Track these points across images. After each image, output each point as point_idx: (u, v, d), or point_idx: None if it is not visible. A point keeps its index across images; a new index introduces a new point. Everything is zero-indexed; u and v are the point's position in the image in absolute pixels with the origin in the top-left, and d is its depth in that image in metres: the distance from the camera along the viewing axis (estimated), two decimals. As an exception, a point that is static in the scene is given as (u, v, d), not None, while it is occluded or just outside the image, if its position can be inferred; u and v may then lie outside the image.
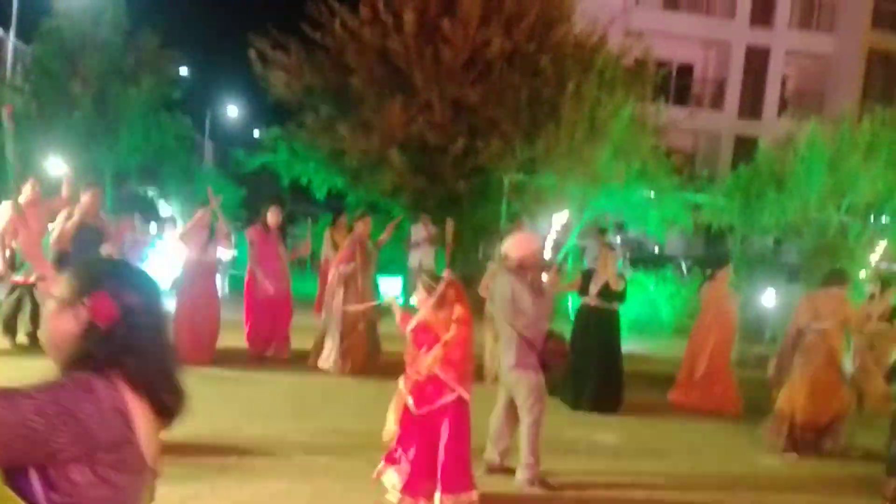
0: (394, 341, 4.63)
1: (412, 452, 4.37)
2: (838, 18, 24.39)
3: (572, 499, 4.92)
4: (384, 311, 6.06)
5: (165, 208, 19.06)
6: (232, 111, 39.35)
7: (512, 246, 5.22)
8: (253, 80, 15.01)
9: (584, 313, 7.54)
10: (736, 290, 8.64)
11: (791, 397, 6.37)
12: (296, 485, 4.67)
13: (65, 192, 7.97)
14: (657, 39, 17.51)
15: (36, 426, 1.34)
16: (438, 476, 4.31)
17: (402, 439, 4.44)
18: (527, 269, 5.07)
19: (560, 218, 11.82)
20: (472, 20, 13.28)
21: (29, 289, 7.42)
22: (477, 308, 5.37)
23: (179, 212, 17.65)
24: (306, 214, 15.34)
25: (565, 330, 6.38)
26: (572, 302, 9.76)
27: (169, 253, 12.04)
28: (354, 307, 7.17)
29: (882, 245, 11.75)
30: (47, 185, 8.90)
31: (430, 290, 4.40)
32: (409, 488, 4.37)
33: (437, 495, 4.30)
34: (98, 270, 1.58)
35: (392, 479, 4.46)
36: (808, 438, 6.38)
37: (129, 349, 1.49)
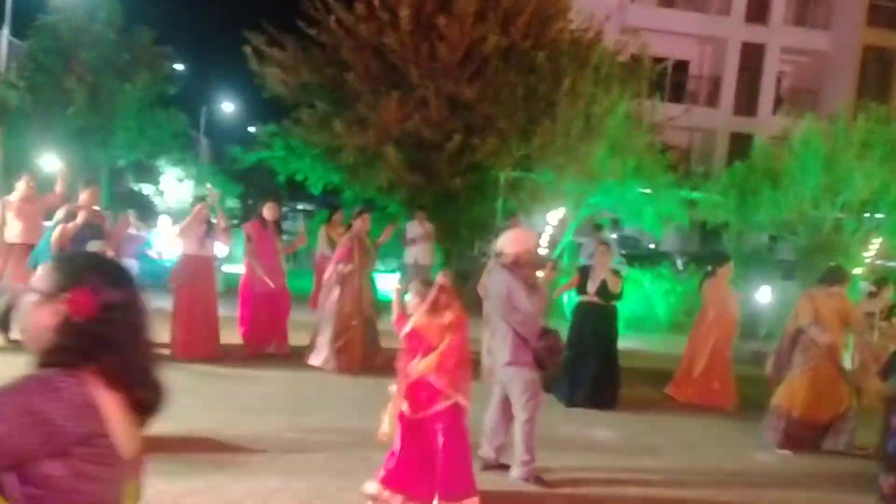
0: (394, 338, 4.58)
1: (400, 450, 4.30)
2: (833, 15, 24.44)
3: (567, 495, 4.92)
4: (383, 308, 6.02)
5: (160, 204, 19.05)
6: (227, 107, 39.30)
7: (507, 242, 5.22)
8: (248, 76, 14.99)
9: (583, 310, 7.55)
10: (736, 288, 8.65)
11: (790, 394, 6.38)
12: (291, 481, 4.66)
13: (59, 188, 7.95)
14: (653, 36, 17.51)
15: (2, 435, 1.35)
16: (437, 482, 4.22)
17: (396, 441, 4.39)
18: (522, 265, 5.07)
19: (556, 214, 11.84)
20: (468, 16, 13.25)
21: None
22: (476, 307, 5.37)
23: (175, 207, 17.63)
24: (300, 211, 15.34)
25: (561, 327, 6.38)
26: (569, 299, 9.78)
27: (166, 248, 12.03)
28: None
29: (877, 242, 11.79)
30: (42, 181, 8.88)
31: (422, 296, 4.35)
32: (389, 482, 4.28)
33: (436, 503, 4.23)
34: (79, 266, 1.58)
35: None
36: (806, 435, 6.38)
37: (104, 344, 1.49)
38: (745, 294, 10.80)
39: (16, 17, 20.01)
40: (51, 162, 10.13)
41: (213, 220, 7.96)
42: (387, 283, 8.92)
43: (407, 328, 4.33)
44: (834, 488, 5.58)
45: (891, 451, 5.21)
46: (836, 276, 6.58)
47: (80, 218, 6.92)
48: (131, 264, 10.62)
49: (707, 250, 16.42)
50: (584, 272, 7.59)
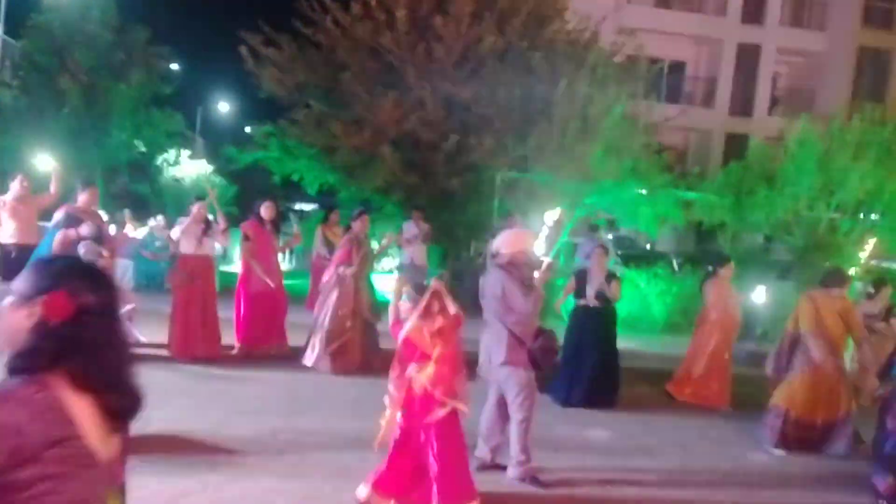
0: (393, 340, 4.54)
1: (394, 456, 4.26)
2: (829, 16, 24.50)
3: (563, 495, 4.92)
4: (382, 309, 5.98)
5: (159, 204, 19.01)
6: (223, 107, 39.19)
7: (503, 242, 5.21)
8: (244, 76, 14.96)
9: (581, 311, 7.54)
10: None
11: (789, 393, 6.37)
12: (287, 482, 4.65)
13: (53, 187, 7.92)
14: (649, 37, 17.55)
15: None
16: (434, 488, 4.17)
17: (390, 447, 4.33)
18: (517, 265, 5.07)
19: (552, 215, 11.83)
20: (464, 17, 13.26)
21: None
22: (475, 307, 5.36)
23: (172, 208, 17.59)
24: (295, 211, 15.30)
25: (556, 327, 6.38)
26: (566, 302, 9.78)
27: (163, 248, 11.98)
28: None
29: (871, 242, 11.82)
30: (36, 181, 8.85)
31: (415, 303, 4.28)
32: (380, 486, 4.24)
33: None
34: (57, 269, 1.59)
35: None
36: (802, 436, 6.37)
37: (76, 348, 1.50)
38: (741, 294, 10.82)
39: (9, 16, 19.98)
40: (45, 162, 10.09)
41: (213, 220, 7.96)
42: (384, 284, 8.90)
43: (401, 335, 4.30)
44: (828, 489, 5.58)
45: (889, 451, 5.21)
46: (836, 279, 6.56)
47: (85, 229, 6.61)
48: (126, 265, 10.58)
49: (703, 251, 16.43)
50: (581, 276, 7.59)
